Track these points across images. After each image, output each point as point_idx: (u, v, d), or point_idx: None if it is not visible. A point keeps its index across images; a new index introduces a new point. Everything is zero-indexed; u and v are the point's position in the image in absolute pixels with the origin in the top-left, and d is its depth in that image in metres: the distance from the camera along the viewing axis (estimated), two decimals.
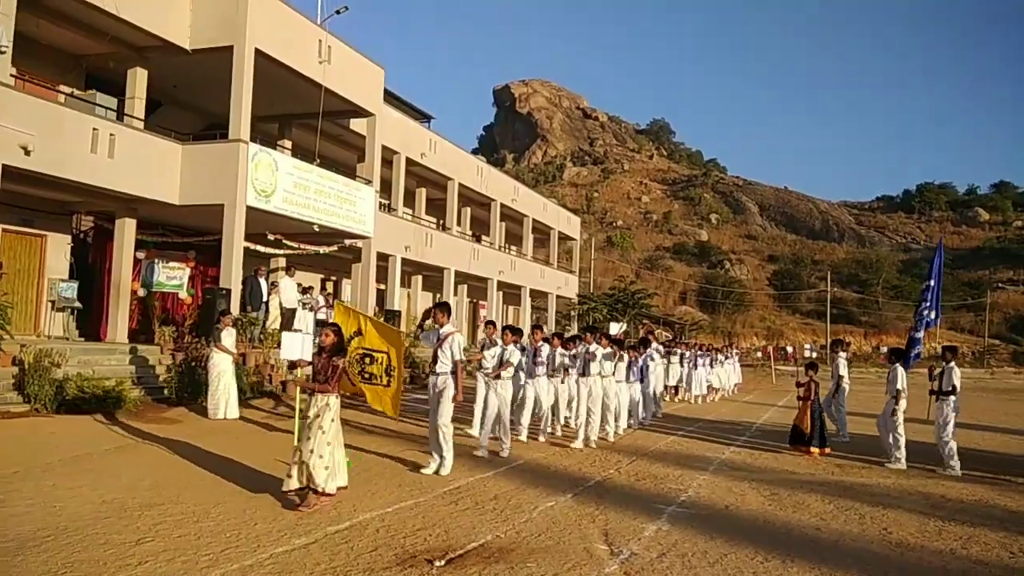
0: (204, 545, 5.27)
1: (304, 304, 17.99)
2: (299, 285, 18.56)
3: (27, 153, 11.94)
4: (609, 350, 11.37)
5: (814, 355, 44.02)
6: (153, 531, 5.54)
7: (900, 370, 10.64)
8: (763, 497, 7.91)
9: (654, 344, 16.67)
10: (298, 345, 7.65)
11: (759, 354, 49.95)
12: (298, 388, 7.76)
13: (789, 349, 48.71)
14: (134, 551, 5.07)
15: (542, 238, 38.17)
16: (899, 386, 10.49)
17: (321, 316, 18.71)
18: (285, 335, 8.04)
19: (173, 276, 16.14)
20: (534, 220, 33.62)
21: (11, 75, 12.60)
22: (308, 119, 18.30)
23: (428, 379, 8.38)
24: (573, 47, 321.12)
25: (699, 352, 20.99)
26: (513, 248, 33.93)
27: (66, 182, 13.14)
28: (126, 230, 15.35)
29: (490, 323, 10.68)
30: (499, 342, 9.89)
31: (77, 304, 14.90)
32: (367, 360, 8.27)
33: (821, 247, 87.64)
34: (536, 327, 11.80)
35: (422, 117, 27.38)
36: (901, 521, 7.08)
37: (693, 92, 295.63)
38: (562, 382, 11.42)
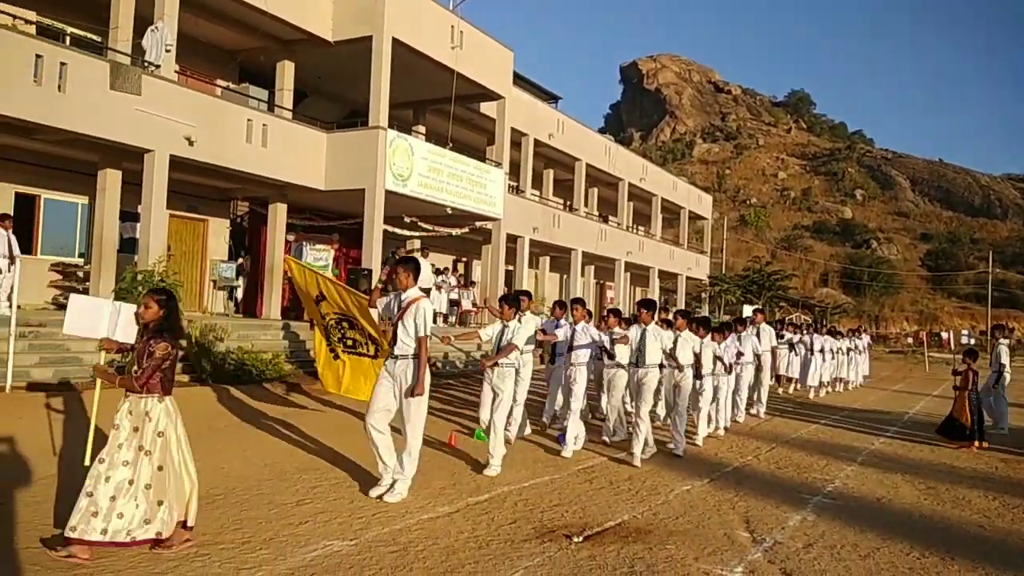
0: (357, 509, 5.61)
1: (438, 285, 18.62)
2: (433, 266, 19.21)
3: (191, 144, 13.03)
4: (686, 332, 8.67)
5: (972, 342, 40.65)
6: (311, 494, 5.95)
7: None
8: (918, 491, 7.44)
9: (762, 325, 13.44)
10: (101, 317, 4.88)
11: (910, 340, 46.58)
12: (97, 381, 5.16)
13: (944, 335, 45.18)
14: (295, 511, 5.47)
15: (671, 218, 37.30)
16: None
17: (454, 296, 19.33)
18: (74, 298, 5.15)
19: (319, 257, 17.08)
20: (663, 199, 32.94)
21: (175, 71, 13.73)
22: (440, 104, 18.77)
23: (383, 366, 6.01)
24: (703, 19, 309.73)
25: (815, 336, 16.71)
26: (641, 228, 33.40)
27: (225, 170, 14.22)
28: (278, 214, 16.44)
29: (522, 294, 8.13)
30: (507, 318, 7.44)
31: (236, 283, 16.11)
32: (345, 324, 6.50)
33: (981, 224, 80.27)
34: (612, 311, 9.11)
35: (549, 98, 27.37)
36: None
37: (836, 61, 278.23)
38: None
